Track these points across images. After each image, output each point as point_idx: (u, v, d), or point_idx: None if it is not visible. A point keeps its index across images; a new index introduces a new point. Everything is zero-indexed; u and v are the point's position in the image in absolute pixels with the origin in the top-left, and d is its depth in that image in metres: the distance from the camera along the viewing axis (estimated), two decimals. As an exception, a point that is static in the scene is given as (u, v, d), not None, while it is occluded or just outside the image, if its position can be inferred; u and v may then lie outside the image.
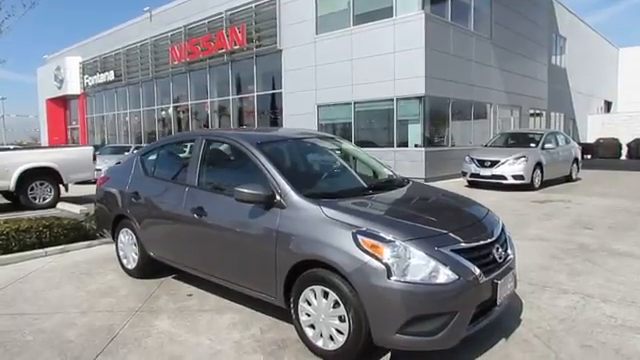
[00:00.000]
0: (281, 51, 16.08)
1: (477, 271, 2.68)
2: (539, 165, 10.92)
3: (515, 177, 10.53)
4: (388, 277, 2.54)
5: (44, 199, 9.23)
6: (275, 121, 17.03)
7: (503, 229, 3.25)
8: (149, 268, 4.43)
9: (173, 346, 3.11)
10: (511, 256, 3.13)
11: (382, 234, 2.67)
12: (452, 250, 2.68)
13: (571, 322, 3.35)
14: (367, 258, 2.61)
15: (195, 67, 19.79)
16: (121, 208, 4.52)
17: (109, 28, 26.52)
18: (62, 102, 31.60)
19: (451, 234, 2.80)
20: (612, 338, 3.09)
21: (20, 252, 5.32)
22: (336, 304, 2.74)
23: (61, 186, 9.55)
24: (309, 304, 2.90)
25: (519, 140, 12.16)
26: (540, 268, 4.62)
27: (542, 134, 11.94)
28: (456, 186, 11.19)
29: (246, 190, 3.12)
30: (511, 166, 10.59)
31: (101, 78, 26.32)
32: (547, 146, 11.53)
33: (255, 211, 3.21)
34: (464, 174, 11.42)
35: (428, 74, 12.41)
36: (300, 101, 15.57)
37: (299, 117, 15.50)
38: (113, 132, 26.93)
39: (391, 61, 12.88)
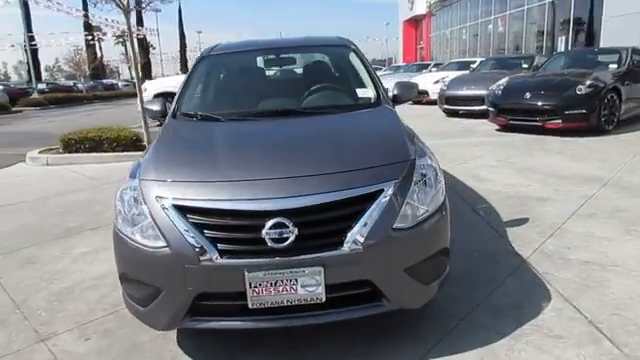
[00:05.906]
0: None
1: (198, 245, 1.83)
2: None
3: None
4: (115, 221, 2.15)
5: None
6: (590, 27, 12.55)
7: (350, 201, 1.88)
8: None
9: (55, 265, 3.31)
10: (353, 245, 1.82)
11: (141, 169, 2.20)
12: (177, 206, 1.91)
13: None
14: (117, 197, 2.21)
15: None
16: None
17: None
18: (413, 22, 33.72)
19: (210, 183, 2.02)
20: None
21: (120, 152, 6.84)
22: None
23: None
24: None
25: None
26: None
27: None
28: None
29: (147, 105, 3.23)
30: None
31: (440, -6, 26.23)
32: None
33: None
34: None
35: None
36: (627, -5, 10.70)
37: (623, 19, 10.81)
38: (449, 49, 26.87)
39: None
